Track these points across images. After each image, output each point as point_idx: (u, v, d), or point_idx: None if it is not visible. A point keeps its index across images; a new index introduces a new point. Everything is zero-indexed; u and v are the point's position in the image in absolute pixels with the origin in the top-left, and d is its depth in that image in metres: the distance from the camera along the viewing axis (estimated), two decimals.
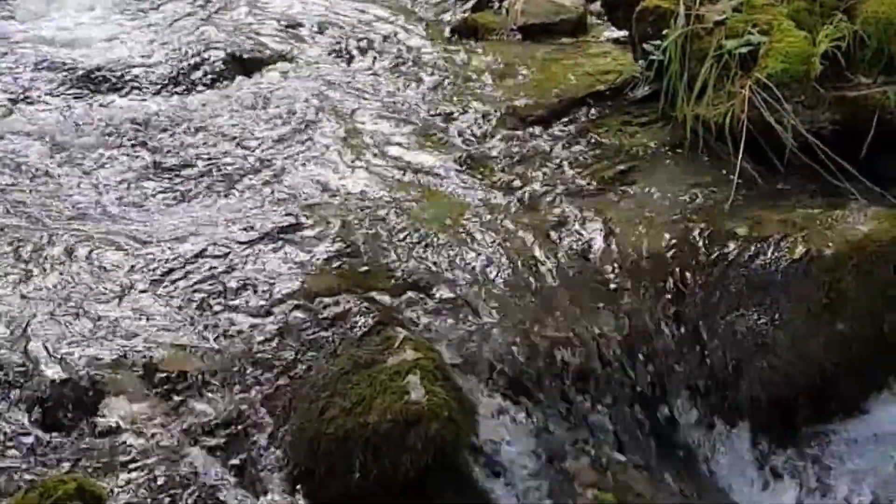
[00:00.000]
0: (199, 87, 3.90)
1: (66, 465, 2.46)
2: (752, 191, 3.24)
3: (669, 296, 2.97)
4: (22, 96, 3.85)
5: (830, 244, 2.95)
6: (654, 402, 2.88)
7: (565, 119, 3.62)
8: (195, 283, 2.95)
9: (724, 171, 3.27)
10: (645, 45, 3.59)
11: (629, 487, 2.76)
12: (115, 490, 2.39)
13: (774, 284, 2.94)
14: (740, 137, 3.23)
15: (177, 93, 3.86)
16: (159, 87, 3.89)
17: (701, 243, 3.04)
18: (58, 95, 3.86)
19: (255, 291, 2.90)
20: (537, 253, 3.08)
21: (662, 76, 3.53)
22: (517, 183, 3.36)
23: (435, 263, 3.04)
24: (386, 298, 2.89)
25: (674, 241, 3.06)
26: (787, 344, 2.88)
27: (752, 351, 2.88)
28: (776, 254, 2.97)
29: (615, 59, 3.89)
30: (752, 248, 3.00)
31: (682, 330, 2.93)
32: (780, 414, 2.88)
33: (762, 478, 2.86)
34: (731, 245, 3.02)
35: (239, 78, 3.96)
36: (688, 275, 2.99)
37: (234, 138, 3.60)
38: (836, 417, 2.90)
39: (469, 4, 4.40)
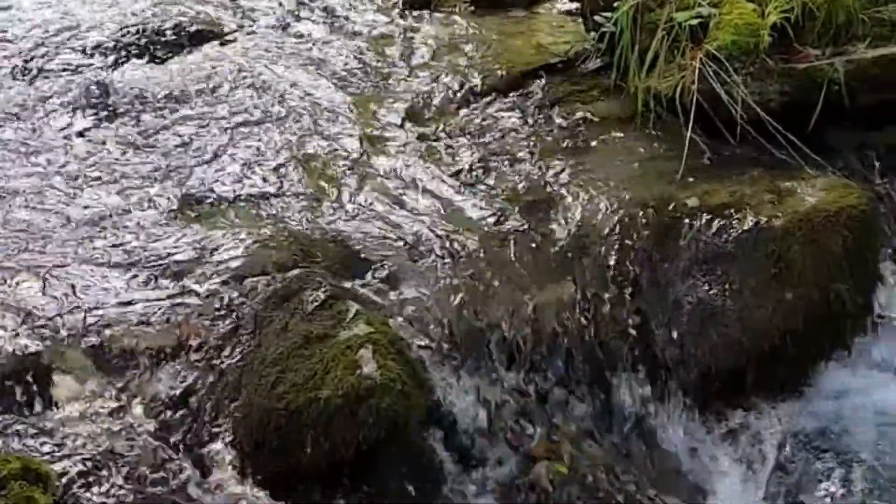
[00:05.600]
0: (148, 60, 3.86)
1: (12, 445, 2.43)
2: (702, 162, 3.25)
3: (620, 267, 2.98)
4: None
5: (779, 215, 2.98)
6: (605, 372, 2.90)
7: (517, 91, 3.62)
8: (143, 256, 2.92)
9: (676, 143, 3.28)
10: (597, 17, 3.60)
11: (582, 458, 2.78)
12: (62, 469, 2.36)
13: (724, 255, 2.96)
14: (691, 109, 3.24)
15: (128, 64, 3.81)
16: (112, 58, 3.84)
17: (651, 214, 3.05)
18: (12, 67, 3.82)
19: (205, 266, 2.88)
20: (488, 225, 3.08)
21: (614, 48, 3.53)
22: (469, 155, 3.36)
23: (387, 237, 3.03)
24: (338, 272, 2.87)
25: (624, 212, 3.07)
26: (736, 313, 2.90)
27: (702, 320, 2.91)
28: (726, 224, 2.99)
29: (567, 31, 3.89)
30: (702, 219, 3.01)
31: (633, 300, 2.95)
32: (728, 383, 2.91)
33: (710, 447, 2.90)
34: (682, 216, 3.03)
35: (187, 50, 3.92)
36: (638, 245, 3.00)
37: (183, 109, 3.57)
38: (783, 386, 2.94)
39: None
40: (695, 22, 3.34)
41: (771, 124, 3.21)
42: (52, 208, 3.13)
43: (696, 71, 3.25)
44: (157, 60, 3.87)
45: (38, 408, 2.54)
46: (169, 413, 2.57)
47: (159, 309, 2.76)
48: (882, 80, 3.28)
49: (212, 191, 3.20)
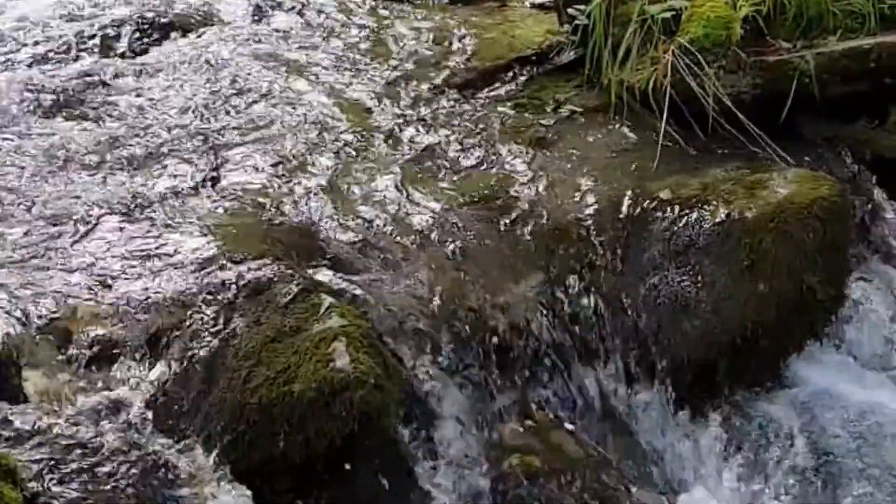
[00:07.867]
0: (126, 53, 3.84)
1: None
2: (675, 155, 3.27)
3: (594, 258, 2.99)
4: None
5: (751, 206, 2.99)
6: (579, 364, 2.91)
7: (491, 84, 3.63)
8: (114, 248, 2.90)
9: (649, 136, 3.30)
10: (570, 10, 3.61)
11: (556, 451, 2.79)
12: (30, 462, 2.34)
13: (697, 246, 2.97)
14: (663, 102, 3.25)
15: (106, 58, 3.79)
16: (85, 52, 3.81)
17: (624, 206, 3.06)
18: None
19: (178, 257, 2.86)
20: (463, 217, 3.08)
21: (587, 41, 3.54)
22: (443, 147, 3.36)
23: (362, 229, 3.02)
24: (312, 265, 2.87)
25: (597, 204, 3.09)
26: (708, 305, 2.92)
27: (675, 312, 2.92)
28: (698, 216, 3.01)
29: (541, 24, 3.90)
30: (675, 211, 3.03)
31: (606, 292, 2.96)
32: (701, 374, 2.93)
33: (683, 438, 2.91)
34: (655, 208, 3.04)
35: (165, 43, 3.90)
36: (611, 237, 3.01)
37: (160, 102, 3.55)
38: (756, 377, 2.96)
39: None
40: (667, 15, 3.36)
41: (742, 117, 3.22)
42: (21, 204, 3.10)
43: (669, 64, 3.26)
44: (126, 55, 3.85)
45: (6, 402, 2.51)
46: (141, 407, 2.56)
47: (131, 303, 2.74)
48: (852, 71, 3.30)
49: (183, 185, 3.18)
